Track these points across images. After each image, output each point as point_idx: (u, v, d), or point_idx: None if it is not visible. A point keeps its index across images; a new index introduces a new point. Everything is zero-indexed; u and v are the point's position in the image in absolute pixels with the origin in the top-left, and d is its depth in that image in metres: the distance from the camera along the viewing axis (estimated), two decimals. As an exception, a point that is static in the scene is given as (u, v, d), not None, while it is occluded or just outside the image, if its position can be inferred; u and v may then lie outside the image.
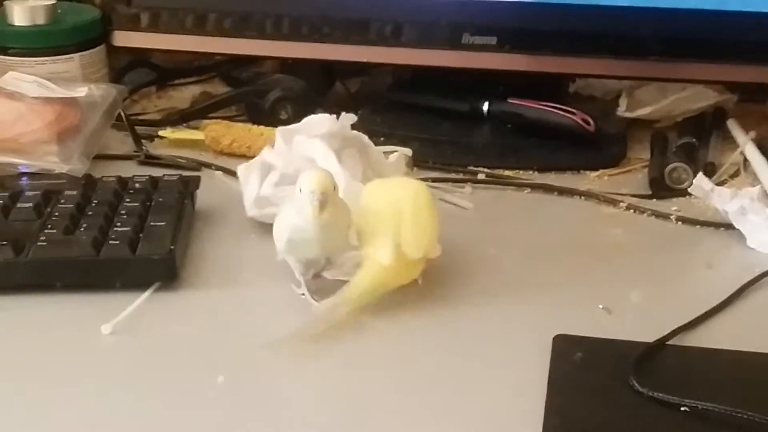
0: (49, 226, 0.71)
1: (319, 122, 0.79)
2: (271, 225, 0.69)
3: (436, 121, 0.94)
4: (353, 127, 0.79)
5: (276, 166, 0.76)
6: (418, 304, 0.68)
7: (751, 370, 0.61)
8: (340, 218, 0.66)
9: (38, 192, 0.76)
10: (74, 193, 0.76)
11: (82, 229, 0.71)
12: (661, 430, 0.56)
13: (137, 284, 0.68)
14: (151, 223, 0.72)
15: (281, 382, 0.60)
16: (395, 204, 0.68)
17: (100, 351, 0.63)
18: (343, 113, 0.80)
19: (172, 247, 0.69)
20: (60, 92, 0.89)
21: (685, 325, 0.64)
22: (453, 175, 0.87)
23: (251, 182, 0.76)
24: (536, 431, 0.55)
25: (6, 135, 0.83)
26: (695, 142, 0.90)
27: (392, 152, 0.81)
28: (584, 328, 0.64)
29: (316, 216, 0.63)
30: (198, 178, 0.80)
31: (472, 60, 0.93)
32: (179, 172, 0.82)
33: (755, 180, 0.86)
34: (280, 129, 0.79)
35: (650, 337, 0.62)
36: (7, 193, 0.76)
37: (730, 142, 0.93)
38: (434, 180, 0.85)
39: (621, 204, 0.83)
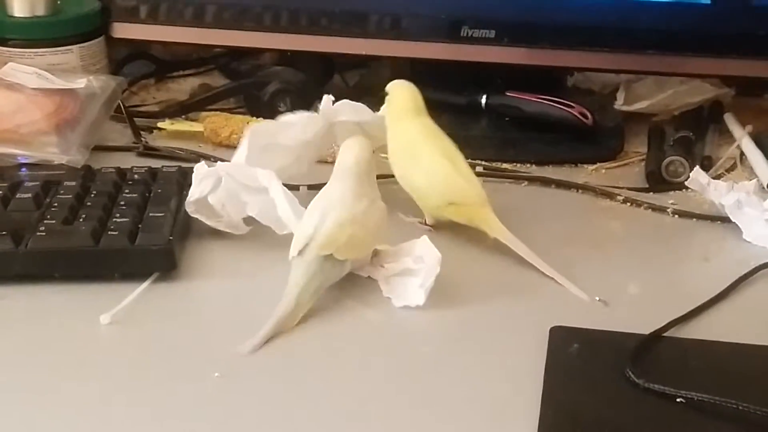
0: (48, 217, 0.71)
1: (295, 123, 0.79)
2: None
3: (434, 114, 0.93)
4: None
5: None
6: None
7: (747, 362, 0.62)
8: None
9: (37, 183, 0.76)
10: (73, 183, 0.76)
11: (81, 220, 0.71)
12: (657, 421, 0.56)
13: (136, 275, 0.68)
14: (150, 214, 0.72)
15: (277, 374, 0.60)
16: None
17: (99, 341, 0.63)
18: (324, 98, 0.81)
19: (170, 237, 0.70)
20: (59, 83, 0.89)
21: (681, 317, 0.65)
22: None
23: (201, 186, 0.73)
24: (533, 422, 0.55)
25: (5, 126, 0.83)
26: (692, 136, 0.90)
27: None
28: (581, 319, 0.64)
29: None
30: (197, 170, 0.80)
31: (470, 53, 0.93)
32: (178, 163, 0.82)
33: (751, 174, 0.86)
34: (253, 129, 0.77)
35: (647, 328, 0.63)
36: (6, 184, 0.76)
37: (727, 136, 0.93)
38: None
39: (618, 197, 0.83)
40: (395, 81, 0.79)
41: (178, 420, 0.56)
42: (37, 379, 0.59)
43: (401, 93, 0.78)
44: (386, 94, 0.79)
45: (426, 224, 0.76)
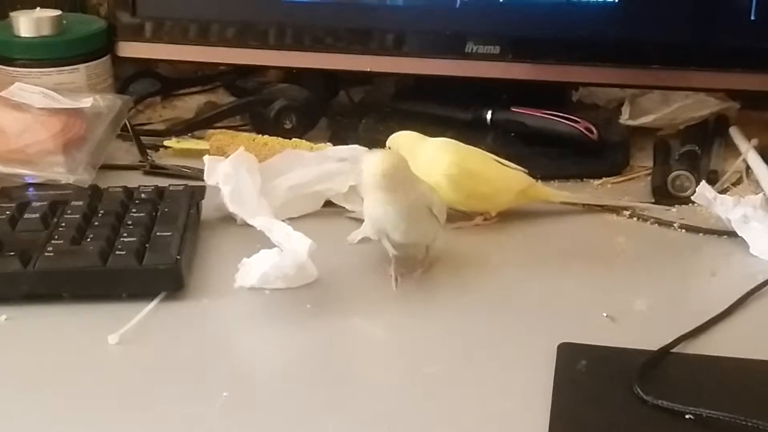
0: (56, 237, 0.71)
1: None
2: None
3: (439, 130, 0.93)
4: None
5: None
6: (423, 311, 0.68)
7: (755, 378, 0.61)
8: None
9: (45, 203, 0.76)
10: (81, 203, 0.76)
11: (88, 240, 0.71)
12: (665, 437, 0.56)
13: (144, 294, 0.68)
14: (158, 233, 0.72)
15: (285, 391, 0.60)
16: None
17: (107, 361, 0.63)
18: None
19: (178, 257, 0.70)
20: (66, 103, 0.89)
21: (688, 332, 0.65)
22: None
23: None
24: (541, 439, 0.55)
25: (12, 146, 0.83)
26: (698, 150, 0.90)
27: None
28: (589, 336, 0.64)
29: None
30: (203, 188, 0.80)
31: (475, 69, 0.93)
32: (185, 182, 0.82)
33: (758, 188, 0.86)
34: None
35: (654, 345, 0.63)
36: (14, 204, 0.76)
37: (733, 150, 0.93)
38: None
39: (624, 212, 0.83)
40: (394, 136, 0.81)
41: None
42: (44, 399, 0.59)
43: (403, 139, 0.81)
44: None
45: (491, 218, 0.80)
